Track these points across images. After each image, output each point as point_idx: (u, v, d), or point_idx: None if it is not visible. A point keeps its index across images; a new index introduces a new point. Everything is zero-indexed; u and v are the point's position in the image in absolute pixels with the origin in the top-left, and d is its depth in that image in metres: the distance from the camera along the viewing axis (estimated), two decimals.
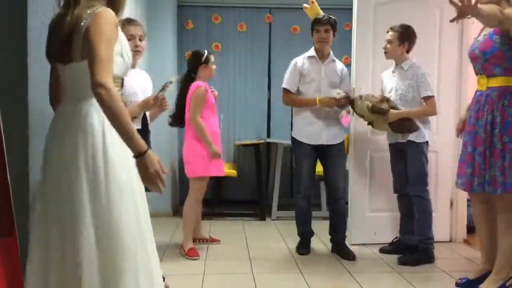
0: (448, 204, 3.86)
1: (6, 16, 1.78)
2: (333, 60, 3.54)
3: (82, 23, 1.54)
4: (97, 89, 1.46)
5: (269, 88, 5.63)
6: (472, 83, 3.22)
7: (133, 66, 2.70)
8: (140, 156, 1.49)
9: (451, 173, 3.51)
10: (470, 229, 3.90)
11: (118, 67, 1.63)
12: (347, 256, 3.38)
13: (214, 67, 3.59)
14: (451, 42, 3.78)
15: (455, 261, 3.40)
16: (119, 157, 1.56)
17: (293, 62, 3.57)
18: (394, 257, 3.40)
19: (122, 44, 1.67)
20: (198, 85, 3.42)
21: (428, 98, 3.28)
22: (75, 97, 1.60)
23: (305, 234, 3.59)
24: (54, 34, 1.64)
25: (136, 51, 2.64)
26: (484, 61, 2.61)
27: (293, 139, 3.58)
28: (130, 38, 2.61)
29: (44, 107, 1.83)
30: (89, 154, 1.52)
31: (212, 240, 3.80)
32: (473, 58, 2.70)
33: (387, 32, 3.37)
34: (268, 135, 5.59)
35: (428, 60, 3.63)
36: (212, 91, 3.55)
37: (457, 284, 2.82)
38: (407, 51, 3.36)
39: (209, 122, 3.44)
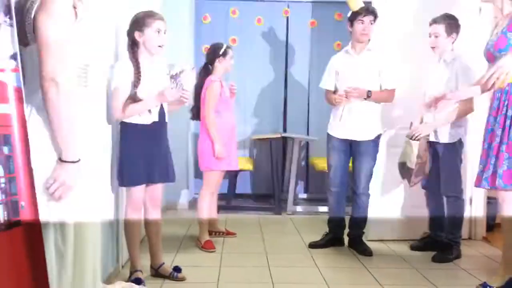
0: (467, 202, 3.80)
1: None
2: (370, 50, 3.36)
3: None
4: (45, 84, 1.32)
5: (285, 82, 5.61)
6: None
7: (152, 60, 2.66)
8: (61, 162, 1.42)
9: (471, 170, 3.45)
10: (489, 227, 3.84)
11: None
12: (363, 251, 3.35)
13: (232, 62, 3.56)
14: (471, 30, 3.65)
15: (474, 259, 3.35)
16: None
17: (331, 60, 3.51)
18: (412, 253, 3.37)
19: (82, 29, 1.46)
20: (211, 80, 3.41)
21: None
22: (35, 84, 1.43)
23: (331, 231, 3.53)
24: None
25: (161, 46, 2.60)
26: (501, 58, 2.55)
27: (327, 134, 3.50)
28: (158, 31, 2.58)
29: None
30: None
31: (229, 233, 3.80)
32: (489, 58, 2.65)
33: (430, 25, 3.22)
34: (284, 129, 5.57)
35: None
36: (231, 86, 3.53)
37: None
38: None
39: (223, 118, 3.43)
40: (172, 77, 2.63)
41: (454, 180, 3.22)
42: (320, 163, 5.04)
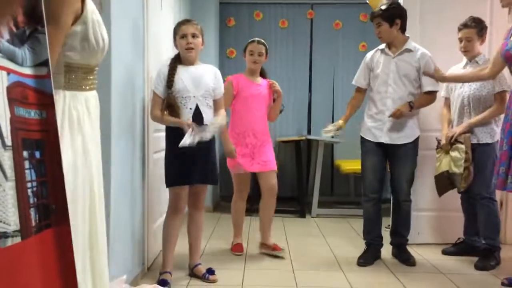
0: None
1: None
2: (409, 50, 3.16)
3: None
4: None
5: (310, 84, 5.59)
6: None
7: (191, 62, 2.76)
8: None
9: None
10: None
11: (82, 53, 1.44)
12: (406, 261, 3.21)
13: (251, 57, 3.33)
14: (502, 34, 3.61)
15: (505, 264, 3.25)
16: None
17: (365, 56, 3.37)
18: (440, 258, 3.31)
19: (89, 23, 1.44)
20: (227, 79, 3.33)
21: (502, 93, 3.10)
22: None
23: (370, 243, 3.29)
24: None
25: (188, 49, 2.71)
26: None
27: (361, 137, 3.35)
28: (183, 36, 2.71)
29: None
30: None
31: (275, 249, 3.38)
32: (509, 58, 2.63)
33: (460, 30, 3.20)
34: (309, 132, 5.56)
35: None
36: (271, 84, 3.35)
37: (503, 284, 2.75)
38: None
39: (240, 117, 3.30)
40: (202, 129, 2.61)
41: (489, 181, 3.11)
42: (345, 166, 5.01)
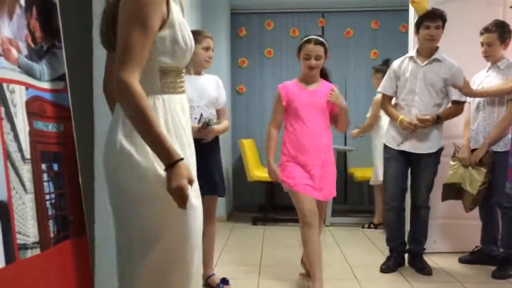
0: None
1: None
2: (438, 60, 3.10)
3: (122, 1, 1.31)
4: (118, 87, 1.26)
5: None
6: None
7: (197, 73, 2.80)
8: (167, 168, 1.30)
9: None
10: None
11: (174, 56, 1.40)
12: (422, 270, 3.16)
13: (307, 62, 2.76)
14: None
15: None
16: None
17: (392, 64, 3.30)
18: (457, 267, 3.26)
19: (176, 26, 1.41)
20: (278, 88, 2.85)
21: None
22: None
23: (392, 249, 3.29)
24: (103, 16, 1.42)
25: (207, 61, 2.78)
26: None
27: (384, 145, 3.31)
28: (207, 49, 2.76)
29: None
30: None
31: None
32: None
33: (481, 34, 3.18)
34: None
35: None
36: (330, 92, 2.75)
37: None
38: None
39: (293, 132, 2.73)
40: (203, 124, 2.66)
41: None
42: (359, 174, 4.98)
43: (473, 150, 3.22)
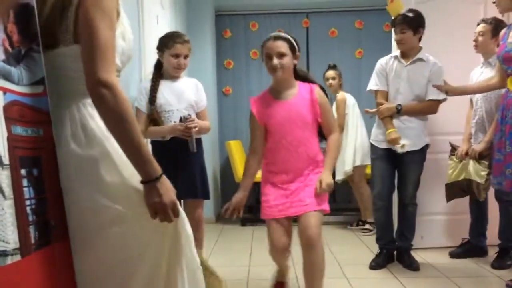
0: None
1: None
2: (422, 60, 3.14)
3: None
4: (99, 89, 1.14)
5: None
6: None
7: (174, 78, 2.75)
8: (152, 181, 1.23)
9: None
10: None
11: (118, 54, 1.28)
12: (409, 266, 3.21)
13: (270, 63, 2.27)
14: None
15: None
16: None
17: (377, 63, 3.31)
18: (445, 262, 3.31)
19: (124, 24, 1.33)
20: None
21: None
22: (62, 95, 1.28)
23: (382, 247, 3.34)
24: (38, 7, 1.24)
25: (176, 69, 2.69)
26: None
27: (371, 144, 3.36)
28: (176, 56, 2.66)
29: None
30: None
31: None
32: (507, 60, 2.63)
33: (478, 24, 3.22)
34: None
35: (471, 58, 3.44)
36: (315, 189, 2.29)
37: (508, 286, 2.76)
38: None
39: (270, 149, 2.39)
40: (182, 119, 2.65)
41: None
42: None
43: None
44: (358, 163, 4.39)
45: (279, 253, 2.45)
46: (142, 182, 1.23)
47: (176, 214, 1.29)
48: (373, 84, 3.28)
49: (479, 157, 3.15)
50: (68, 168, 1.26)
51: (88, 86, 1.17)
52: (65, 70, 1.27)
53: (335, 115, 4.36)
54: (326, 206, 2.35)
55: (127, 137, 1.19)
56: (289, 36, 2.28)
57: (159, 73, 2.73)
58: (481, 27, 3.21)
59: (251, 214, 4.84)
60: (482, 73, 3.27)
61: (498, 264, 3.17)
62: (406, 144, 3.06)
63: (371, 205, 3.93)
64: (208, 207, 4.92)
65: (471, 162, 3.20)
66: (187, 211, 2.71)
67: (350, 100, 4.51)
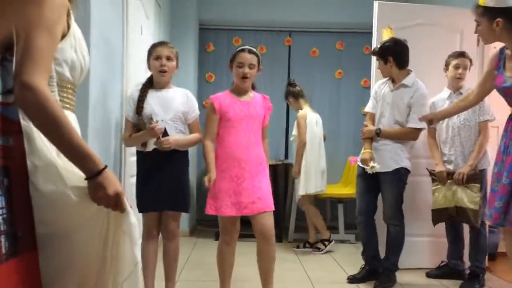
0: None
1: None
2: (405, 86, 3.23)
3: None
4: (20, 91, 1.14)
5: (287, 110, 5.67)
6: (494, 108, 3.18)
7: (163, 86, 2.70)
8: (95, 176, 1.21)
9: None
10: (491, 257, 3.80)
11: (71, 66, 1.33)
12: (380, 284, 3.21)
13: (240, 70, 2.63)
14: (472, 68, 3.75)
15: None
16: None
17: (375, 84, 3.47)
18: (423, 282, 3.37)
19: (76, 38, 1.35)
20: (209, 98, 2.73)
21: (485, 123, 3.22)
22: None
23: (365, 262, 3.39)
24: None
25: (161, 71, 2.64)
26: None
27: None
28: (157, 58, 2.65)
29: None
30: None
31: None
32: (508, 94, 2.52)
33: (455, 57, 3.33)
34: (286, 156, 5.60)
35: (443, 85, 3.50)
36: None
37: None
38: None
39: (225, 145, 2.64)
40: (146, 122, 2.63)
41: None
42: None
43: (452, 173, 3.27)
44: (311, 191, 4.35)
45: (229, 237, 2.90)
46: (85, 179, 1.23)
47: (120, 205, 1.26)
48: (367, 106, 3.46)
49: (467, 182, 3.18)
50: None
51: (14, 88, 1.17)
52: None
53: (295, 131, 4.42)
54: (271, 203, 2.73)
55: (56, 137, 1.19)
56: (258, 53, 2.72)
57: (150, 83, 2.72)
58: (463, 61, 3.31)
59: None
60: (452, 103, 3.25)
61: (466, 287, 3.21)
62: (375, 166, 3.15)
63: (321, 223, 4.26)
64: (182, 220, 4.86)
65: (459, 189, 3.21)
66: (163, 222, 2.71)
67: (312, 117, 4.44)
